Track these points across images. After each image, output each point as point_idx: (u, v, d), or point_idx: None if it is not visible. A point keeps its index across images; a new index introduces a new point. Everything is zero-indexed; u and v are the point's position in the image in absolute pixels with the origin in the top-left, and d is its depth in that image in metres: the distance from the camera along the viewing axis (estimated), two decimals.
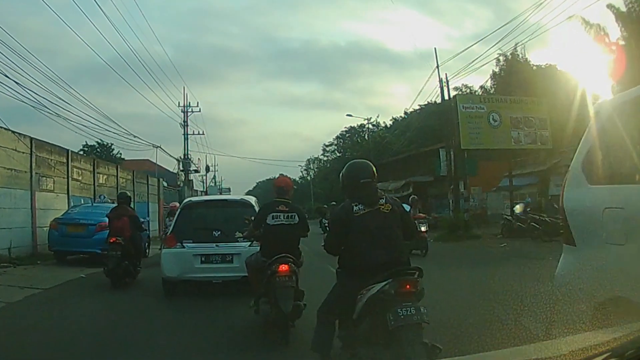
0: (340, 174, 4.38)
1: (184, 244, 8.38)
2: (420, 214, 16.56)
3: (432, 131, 41.30)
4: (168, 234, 9.16)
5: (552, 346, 2.30)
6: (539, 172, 25.10)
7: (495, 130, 23.17)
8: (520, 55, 37.72)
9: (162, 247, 9.07)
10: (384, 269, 3.79)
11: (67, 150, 17.59)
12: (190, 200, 10.00)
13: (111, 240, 9.75)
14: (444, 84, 23.09)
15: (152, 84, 64.78)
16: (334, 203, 17.92)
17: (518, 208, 21.32)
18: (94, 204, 14.83)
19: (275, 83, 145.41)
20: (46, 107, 17.34)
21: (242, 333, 6.17)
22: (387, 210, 4.09)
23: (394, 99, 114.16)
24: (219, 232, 8.48)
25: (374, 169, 4.30)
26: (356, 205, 4.06)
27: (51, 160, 16.37)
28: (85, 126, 21.06)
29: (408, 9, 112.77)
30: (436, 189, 33.16)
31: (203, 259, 8.32)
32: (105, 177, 20.98)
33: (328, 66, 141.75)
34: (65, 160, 17.31)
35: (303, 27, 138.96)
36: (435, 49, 23.89)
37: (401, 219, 4.20)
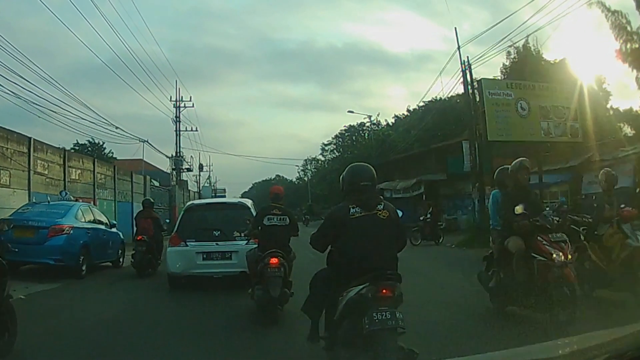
0: (341, 177, 4.38)
1: (187, 243, 9.18)
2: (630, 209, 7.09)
3: (438, 129, 38.89)
4: (172, 233, 9.91)
5: (553, 347, 2.27)
6: (570, 168, 22.39)
7: (524, 121, 20.51)
8: (533, 47, 35.44)
9: (168, 246, 9.78)
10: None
11: (29, 138, 14.77)
12: (192, 203, 11.11)
13: (138, 238, 11.67)
14: (468, 71, 20.25)
15: (149, 84, 63.16)
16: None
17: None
18: (51, 203, 12.02)
19: (272, 84, 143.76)
20: (34, 103, 14.85)
21: (238, 316, 7.19)
22: (384, 216, 4.07)
23: (390, 100, 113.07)
24: (219, 232, 9.23)
25: (375, 173, 4.30)
26: (353, 208, 4.05)
27: (7, 149, 13.57)
28: (72, 119, 18.34)
29: (405, 10, 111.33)
30: (448, 189, 30.45)
31: (204, 256, 9.07)
32: (78, 172, 18.11)
33: (325, 67, 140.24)
34: (26, 150, 14.51)
35: (300, 28, 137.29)
36: (455, 29, 21.28)
37: (397, 228, 4.22)
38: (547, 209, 18.95)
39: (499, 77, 34.00)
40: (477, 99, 20.84)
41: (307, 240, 4.60)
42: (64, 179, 16.65)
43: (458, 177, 28.95)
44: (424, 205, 28.64)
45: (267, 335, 6.12)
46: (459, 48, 20.54)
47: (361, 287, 3.75)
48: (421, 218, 20.64)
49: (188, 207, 10.39)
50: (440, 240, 20.26)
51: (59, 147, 17.47)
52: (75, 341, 5.94)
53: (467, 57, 20.55)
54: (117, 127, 23.28)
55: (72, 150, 26.27)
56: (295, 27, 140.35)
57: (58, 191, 15.97)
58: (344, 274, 3.97)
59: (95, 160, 20.09)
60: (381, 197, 4.37)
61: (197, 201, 13.06)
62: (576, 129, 22.51)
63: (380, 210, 4.05)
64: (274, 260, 6.53)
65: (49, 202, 11.99)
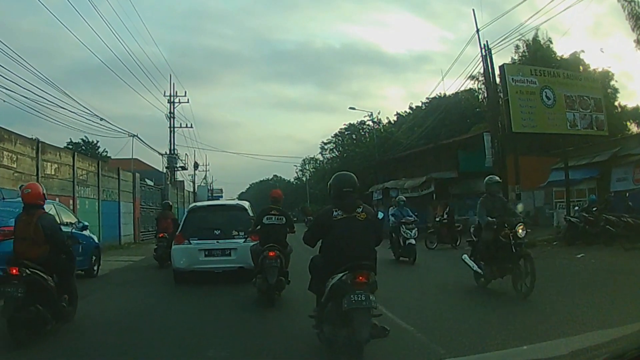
0: (329, 184, 5.15)
1: (191, 241, 9.92)
2: None
3: (443, 126, 37.14)
4: (177, 233, 10.69)
5: (553, 347, 2.28)
6: (596, 163, 20.50)
7: (550, 111, 18.69)
8: (543, 41, 33.67)
9: (172, 243, 10.59)
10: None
11: None
12: (195, 205, 12.31)
13: (160, 235, 13.64)
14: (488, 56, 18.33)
15: (147, 84, 61.71)
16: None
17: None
18: (5, 200, 10.03)
19: (269, 85, 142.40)
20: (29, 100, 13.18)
21: (240, 301, 8.35)
22: (362, 218, 4.84)
23: (388, 101, 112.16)
24: (219, 231, 10.00)
25: (356, 180, 5.06)
26: (336, 211, 4.84)
27: None
28: (63, 115, 16.43)
29: (403, 11, 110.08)
30: (459, 188, 28.51)
31: (206, 253, 9.83)
32: (55, 166, 16.13)
33: (322, 68, 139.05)
34: None
35: (298, 29, 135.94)
36: (473, 10, 19.24)
37: (374, 227, 4.99)
38: (576, 208, 16.83)
39: None
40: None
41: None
42: (37, 174, 14.68)
43: (470, 175, 27.10)
44: (434, 205, 26.73)
45: (265, 316, 7.18)
46: (477, 31, 18.66)
47: (342, 274, 4.50)
48: (437, 219, 18.72)
49: (191, 209, 11.38)
50: (458, 243, 18.34)
51: (30, 138, 15.52)
52: None
53: (487, 41, 18.67)
54: (102, 119, 21.30)
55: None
56: (293, 28, 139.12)
57: None
58: (329, 265, 4.73)
59: (75, 154, 18.00)
60: (360, 201, 5.02)
61: (199, 203, 14.37)
62: (601, 121, 20.75)
63: (359, 213, 4.81)
64: (271, 253, 7.65)
65: (3, 199, 10.03)
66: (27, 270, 5.59)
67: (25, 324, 5.50)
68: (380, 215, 24.71)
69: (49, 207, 10.01)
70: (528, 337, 5.25)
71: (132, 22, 70.71)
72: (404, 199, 15.35)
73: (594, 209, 16.82)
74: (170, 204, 16.33)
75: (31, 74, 20.15)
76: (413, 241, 13.59)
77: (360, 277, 4.45)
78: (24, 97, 15.41)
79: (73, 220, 10.94)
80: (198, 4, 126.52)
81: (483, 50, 18.11)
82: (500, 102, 17.89)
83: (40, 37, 77.06)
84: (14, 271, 5.58)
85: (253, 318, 7.11)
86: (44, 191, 6.48)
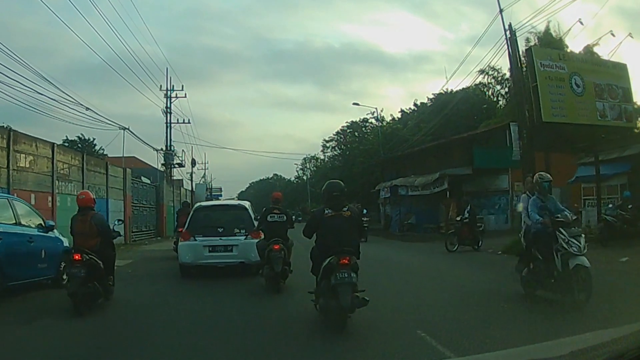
0: (322, 189, 6.57)
1: (196, 238, 10.87)
2: None
3: (450, 122, 35.55)
4: (183, 230, 11.64)
5: (553, 347, 2.27)
6: (628, 157, 18.76)
7: (579, 100, 16.97)
8: (555, 34, 31.97)
9: (179, 240, 12.01)
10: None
11: None
12: (200, 205, 13.03)
13: (179, 230, 14.04)
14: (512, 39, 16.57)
15: (146, 83, 59.75)
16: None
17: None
18: None
19: (269, 84, 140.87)
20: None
21: (246, 290, 9.45)
22: (347, 215, 6.25)
23: (387, 101, 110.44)
24: (222, 229, 10.96)
25: (344, 186, 6.54)
26: (327, 210, 6.28)
27: None
28: (56, 108, 14.65)
29: (402, 11, 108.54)
30: (472, 185, 26.76)
31: (210, 249, 10.79)
32: (30, 158, 14.37)
33: (322, 68, 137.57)
34: None
35: (297, 28, 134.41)
36: None
37: (357, 222, 6.51)
38: (610, 205, 14.96)
39: None
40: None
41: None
42: (8, 166, 12.95)
43: (485, 172, 25.46)
44: (447, 203, 25.03)
45: (272, 300, 8.43)
46: (500, 12, 16.91)
47: (330, 258, 5.92)
48: (458, 218, 16.98)
49: (196, 208, 12.10)
50: (480, 245, 16.63)
51: (1, 126, 13.79)
52: None
53: (510, 23, 16.92)
54: (87, 109, 19.55)
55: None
56: (292, 28, 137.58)
57: (1, 182, 12.38)
58: (322, 252, 6.15)
59: (55, 145, 16.15)
60: (346, 201, 6.49)
61: (203, 203, 14.90)
62: (630, 112, 19.03)
63: (345, 212, 6.26)
64: (276, 246, 8.89)
65: None
66: (86, 256, 7.08)
67: (84, 297, 6.88)
68: (364, 211, 24.75)
69: (2, 203, 8.31)
70: (529, 337, 5.31)
71: (131, 21, 69.48)
72: (550, 177, 7.80)
73: (630, 206, 15.19)
74: (189, 202, 19.24)
75: (21, 66, 18.32)
76: (585, 260, 6.84)
77: (344, 260, 5.84)
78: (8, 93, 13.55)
79: (37, 219, 9.13)
80: (197, 3, 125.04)
81: (508, 33, 16.32)
82: (528, 90, 16.09)
83: (39, 36, 75.56)
84: (77, 257, 7.06)
85: (262, 302, 8.23)
86: (94, 196, 8.15)
